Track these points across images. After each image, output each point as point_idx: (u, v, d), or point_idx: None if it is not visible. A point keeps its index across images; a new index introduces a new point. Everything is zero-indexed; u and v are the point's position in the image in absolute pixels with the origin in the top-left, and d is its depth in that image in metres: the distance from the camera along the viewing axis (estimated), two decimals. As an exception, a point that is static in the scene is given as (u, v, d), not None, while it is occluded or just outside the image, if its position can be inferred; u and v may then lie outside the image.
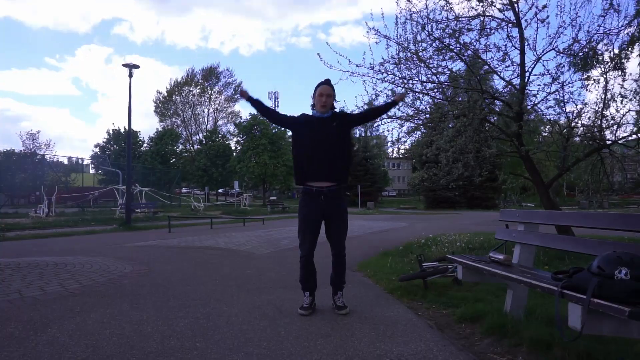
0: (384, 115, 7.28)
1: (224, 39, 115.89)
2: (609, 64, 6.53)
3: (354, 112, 4.40)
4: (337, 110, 3.81)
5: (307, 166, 3.57)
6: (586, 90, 6.84)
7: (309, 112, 3.81)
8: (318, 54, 6.44)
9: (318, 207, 3.53)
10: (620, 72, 6.56)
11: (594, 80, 6.66)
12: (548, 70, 6.63)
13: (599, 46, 6.47)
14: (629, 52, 6.56)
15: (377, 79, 6.92)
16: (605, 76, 6.59)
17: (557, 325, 2.08)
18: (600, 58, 6.60)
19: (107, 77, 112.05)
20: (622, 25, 6.29)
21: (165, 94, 61.52)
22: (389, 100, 4.25)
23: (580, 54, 6.42)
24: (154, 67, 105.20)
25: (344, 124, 3.70)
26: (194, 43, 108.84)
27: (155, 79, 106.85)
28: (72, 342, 2.83)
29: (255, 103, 3.77)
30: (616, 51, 6.52)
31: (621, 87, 6.54)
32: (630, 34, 6.54)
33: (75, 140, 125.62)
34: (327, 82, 3.69)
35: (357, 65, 6.73)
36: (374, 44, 6.80)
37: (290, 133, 4.42)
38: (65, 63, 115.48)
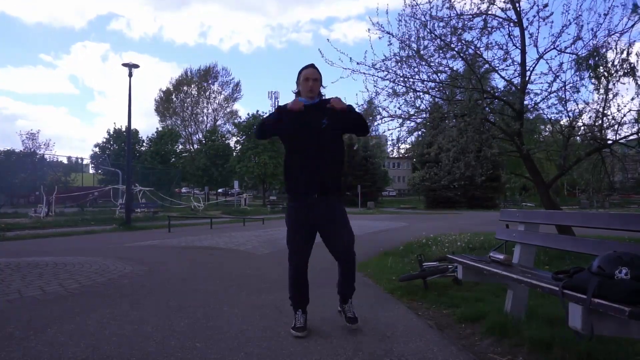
0: (385, 114, 7.28)
1: (223, 35, 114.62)
2: (618, 69, 6.37)
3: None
4: (324, 97, 3.29)
5: (296, 171, 3.10)
6: (591, 93, 6.80)
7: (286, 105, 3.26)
8: (319, 50, 6.45)
9: (310, 211, 3.07)
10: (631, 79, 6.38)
11: (597, 83, 6.61)
12: (551, 69, 6.62)
13: (603, 48, 6.40)
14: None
15: (378, 77, 6.95)
16: (607, 77, 6.55)
17: (567, 326, 2.07)
18: (607, 64, 6.50)
19: (105, 75, 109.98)
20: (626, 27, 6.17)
21: (164, 94, 61.52)
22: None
23: (584, 55, 6.35)
24: (152, 64, 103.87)
25: (335, 121, 3.12)
26: (193, 40, 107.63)
27: (153, 77, 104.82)
28: (72, 342, 2.82)
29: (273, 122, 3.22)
30: (620, 50, 6.40)
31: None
32: None
33: (73, 140, 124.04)
34: (312, 66, 3.28)
35: (358, 63, 6.76)
36: (375, 40, 6.78)
37: None
38: (61, 60, 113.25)
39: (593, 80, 6.59)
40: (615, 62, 6.37)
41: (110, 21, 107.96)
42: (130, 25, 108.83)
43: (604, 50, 6.39)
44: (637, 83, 6.28)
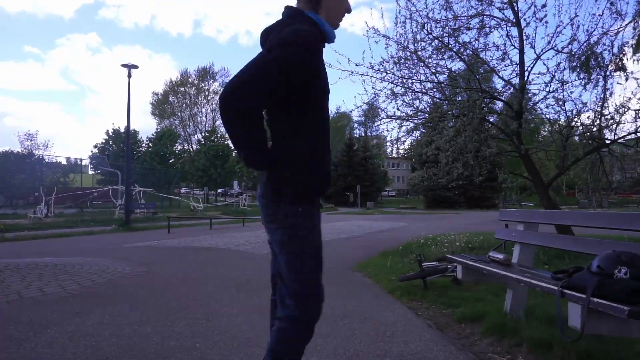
0: (383, 115, 7.30)
1: (219, 25, 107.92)
2: (610, 65, 6.46)
3: None
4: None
5: (324, 153, 1.70)
6: (585, 90, 6.81)
7: None
8: None
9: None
10: (622, 73, 6.48)
11: (594, 82, 6.65)
12: (548, 69, 6.66)
13: (598, 47, 6.44)
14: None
15: (377, 78, 6.95)
16: (604, 77, 6.58)
17: (560, 325, 2.08)
18: (600, 60, 6.55)
19: (95, 68, 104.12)
20: (621, 27, 6.25)
21: (162, 96, 61.34)
22: None
23: (578, 54, 6.39)
24: (144, 56, 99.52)
25: None
26: (187, 31, 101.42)
27: (147, 69, 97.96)
28: (72, 343, 2.82)
29: None
30: (615, 51, 6.48)
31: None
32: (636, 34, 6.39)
33: (70, 139, 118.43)
34: None
35: (356, 64, 6.75)
36: (375, 40, 6.77)
37: None
38: (48, 55, 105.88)
39: (583, 75, 6.62)
40: (607, 60, 6.46)
41: (98, 10, 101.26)
42: (120, 15, 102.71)
43: (599, 49, 6.44)
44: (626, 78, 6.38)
